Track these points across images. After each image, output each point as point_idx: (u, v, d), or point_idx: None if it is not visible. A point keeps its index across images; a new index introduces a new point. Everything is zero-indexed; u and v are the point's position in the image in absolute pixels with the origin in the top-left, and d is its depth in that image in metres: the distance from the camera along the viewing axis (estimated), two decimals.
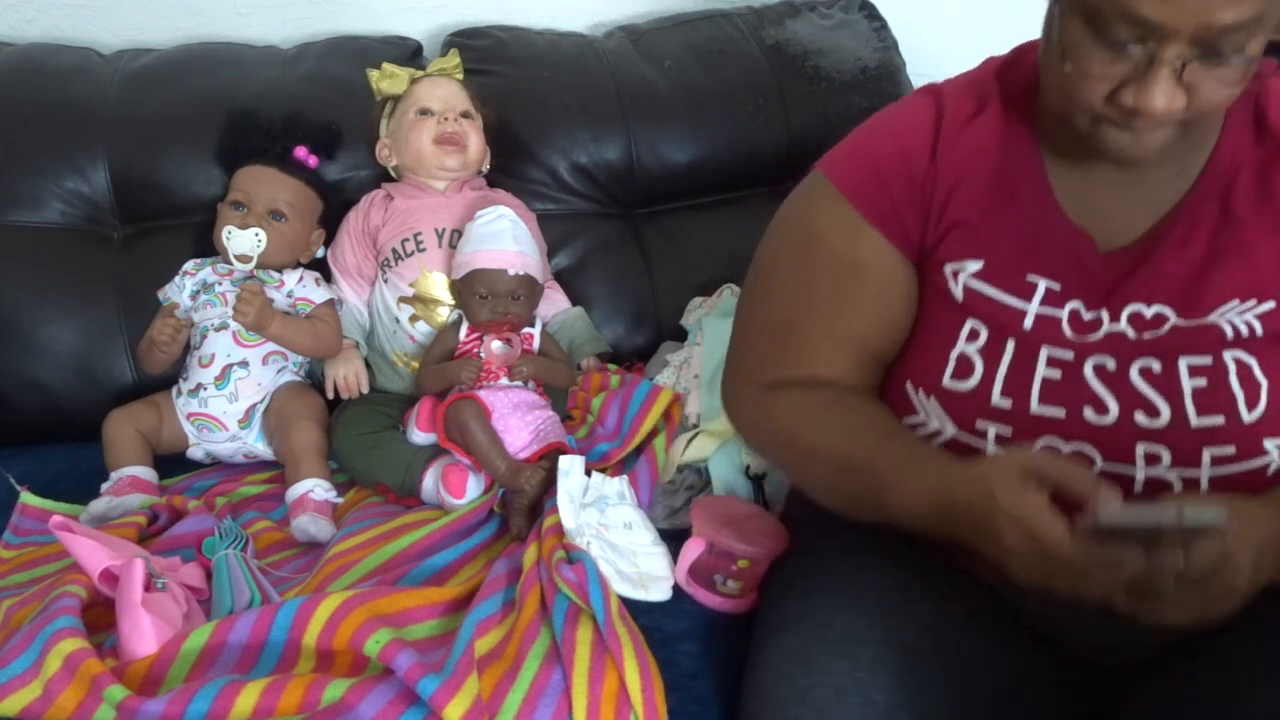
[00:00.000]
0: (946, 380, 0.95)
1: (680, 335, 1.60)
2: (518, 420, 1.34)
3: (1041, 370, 0.92)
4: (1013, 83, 0.99)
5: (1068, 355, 0.92)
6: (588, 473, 1.25)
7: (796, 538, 1.13)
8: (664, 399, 1.39)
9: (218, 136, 1.54)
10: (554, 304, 1.59)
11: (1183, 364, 0.90)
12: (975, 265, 0.96)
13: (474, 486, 1.31)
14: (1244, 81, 0.85)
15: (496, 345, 1.40)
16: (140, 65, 1.63)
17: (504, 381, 1.39)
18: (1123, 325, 0.92)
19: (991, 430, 0.93)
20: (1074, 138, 0.91)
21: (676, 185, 1.72)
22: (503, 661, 1.01)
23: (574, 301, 1.62)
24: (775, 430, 1.03)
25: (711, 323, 1.50)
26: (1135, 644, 0.95)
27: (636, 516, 1.21)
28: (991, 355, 0.94)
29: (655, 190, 1.72)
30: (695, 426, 1.37)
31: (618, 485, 1.24)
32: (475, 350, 1.42)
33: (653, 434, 1.36)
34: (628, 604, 1.07)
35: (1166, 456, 0.89)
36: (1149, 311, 0.92)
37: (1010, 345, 0.93)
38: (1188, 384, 0.89)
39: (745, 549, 1.11)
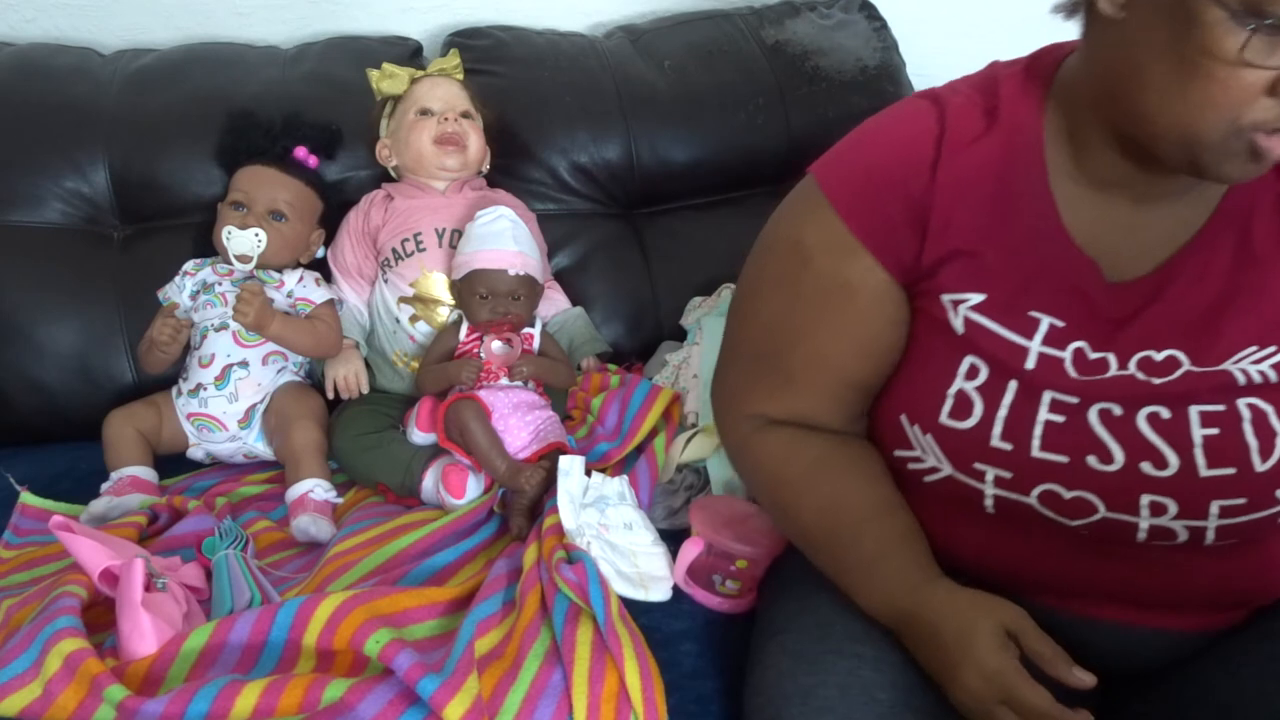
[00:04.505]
0: (943, 418, 0.90)
1: (680, 335, 1.60)
2: (518, 420, 1.34)
3: (1044, 414, 0.87)
4: (1024, 94, 0.92)
5: (1072, 400, 0.87)
6: (588, 473, 1.25)
7: None
8: (664, 399, 1.39)
9: (218, 136, 1.54)
10: (554, 304, 1.59)
11: (1193, 412, 0.85)
12: (977, 298, 0.90)
13: (474, 486, 1.31)
14: None
15: (496, 345, 1.40)
16: (140, 65, 1.63)
17: (504, 381, 1.39)
18: (1131, 369, 0.87)
19: (990, 473, 0.89)
20: (1104, 161, 0.87)
21: (676, 185, 1.72)
22: (503, 661, 1.01)
23: (574, 301, 1.62)
24: (758, 472, 1.02)
25: (710, 322, 1.50)
26: (1139, 653, 0.95)
27: (637, 517, 1.21)
28: (991, 395, 0.88)
29: (655, 190, 1.72)
30: (694, 426, 1.37)
31: (618, 485, 1.24)
32: (475, 350, 1.42)
33: (652, 434, 1.36)
34: (628, 604, 1.07)
35: (1173, 507, 0.85)
36: (1159, 356, 0.86)
37: (1012, 386, 0.88)
38: (1198, 433, 0.84)
39: (744, 549, 1.11)
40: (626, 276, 1.66)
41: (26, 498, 1.32)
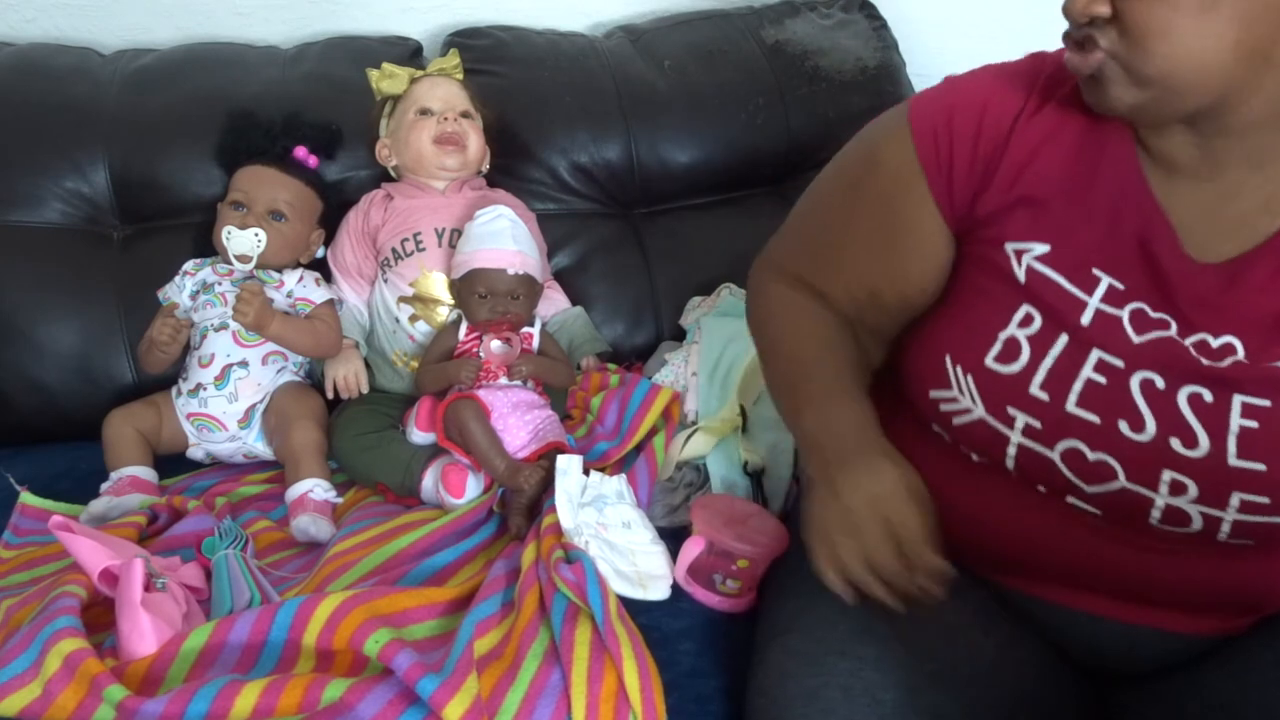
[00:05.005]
0: (989, 360, 0.90)
1: (680, 335, 1.60)
2: (517, 420, 1.34)
3: (1087, 371, 0.87)
4: None
5: (1118, 363, 0.87)
6: (586, 472, 1.25)
7: (798, 536, 1.12)
8: (663, 398, 1.39)
9: (218, 136, 1.55)
10: (554, 303, 1.59)
11: (1237, 400, 0.84)
12: (1042, 249, 0.91)
13: (473, 486, 1.31)
14: (1199, 13, 0.77)
15: (496, 345, 1.40)
16: (140, 65, 1.63)
17: (503, 381, 1.39)
18: (1186, 344, 0.86)
19: (1021, 420, 0.89)
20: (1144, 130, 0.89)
21: (676, 185, 1.72)
22: (502, 661, 1.01)
23: (574, 301, 1.62)
24: (762, 309, 1.08)
25: (710, 321, 1.50)
26: (1143, 655, 0.95)
27: (635, 515, 1.21)
28: (1040, 344, 0.89)
29: (655, 190, 1.72)
30: (694, 424, 1.37)
31: (616, 484, 1.24)
32: (474, 350, 1.42)
33: (652, 433, 1.36)
34: (627, 603, 1.07)
35: (1193, 489, 0.85)
36: (1216, 341, 0.86)
37: (1062, 339, 0.89)
38: (1236, 422, 0.84)
39: (745, 549, 1.11)
40: (626, 276, 1.66)
41: (26, 498, 1.32)
